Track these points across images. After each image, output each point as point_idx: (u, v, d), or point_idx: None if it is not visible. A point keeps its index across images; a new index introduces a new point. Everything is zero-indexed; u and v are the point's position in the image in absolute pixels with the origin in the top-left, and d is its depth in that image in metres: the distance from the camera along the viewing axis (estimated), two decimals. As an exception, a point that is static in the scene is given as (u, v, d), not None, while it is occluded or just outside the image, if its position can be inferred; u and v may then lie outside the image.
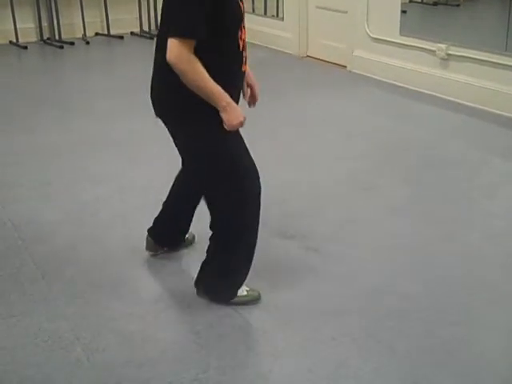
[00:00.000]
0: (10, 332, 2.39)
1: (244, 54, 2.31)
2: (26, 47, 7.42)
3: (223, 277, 2.54)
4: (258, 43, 7.38)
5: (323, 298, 2.60)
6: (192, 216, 2.82)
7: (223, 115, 2.21)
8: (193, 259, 2.88)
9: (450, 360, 2.24)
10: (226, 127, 2.24)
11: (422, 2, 6.51)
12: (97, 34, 8.02)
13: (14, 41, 7.56)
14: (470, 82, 5.05)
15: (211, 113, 2.21)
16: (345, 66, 6.32)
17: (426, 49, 5.41)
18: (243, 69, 2.35)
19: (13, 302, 2.58)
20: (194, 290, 2.60)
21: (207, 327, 2.42)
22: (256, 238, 2.52)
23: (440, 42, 5.25)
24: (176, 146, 2.41)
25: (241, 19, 2.25)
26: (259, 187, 2.49)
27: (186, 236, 2.93)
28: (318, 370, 2.18)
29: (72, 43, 7.52)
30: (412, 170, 3.89)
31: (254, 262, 2.54)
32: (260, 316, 2.48)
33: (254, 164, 2.46)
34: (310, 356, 2.26)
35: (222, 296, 2.56)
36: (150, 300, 2.61)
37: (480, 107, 4.93)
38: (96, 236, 3.10)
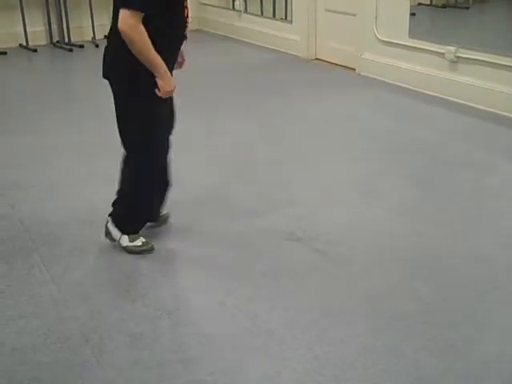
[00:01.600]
0: (20, 333, 2.41)
1: (188, 20, 2.66)
2: (35, 50, 7.47)
3: (127, 211, 2.95)
4: (267, 46, 7.40)
5: (331, 300, 2.60)
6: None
7: (159, 81, 2.56)
8: (204, 261, 2.90)
9: (457, 362, 2.23)
10: (159, 93, 2.58)
11: (430, 5, 6.51)
12: (106, 36, 8.03)
13: (24, 44, 7.61)
14: (479, 85, 5.04)
15: (148, 77, 2.55)
16: (353, 69, 6.31)
17: (435, 51, 5.40)
18: (185, 33, 2.68)
19: (22, 304, 2.60)
20: (203, 289, 2.61)
21: (215, 329, 2.43)
22: (153, 191, 2.93)
23: (449, 45, 5.24)
24: (115, 105, 2.75)
25: None
26: (159, 160, 2.87)
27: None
28: (325, 371, 2.19)
29: (81, 46, 7.56)
30: (420, 171, 3.89)
31: (260, 263, 2.55)
32: (268, 318, 2.49)
33: (164, 134, 2.83)
34: (318, 358, 2.26)
35: (121, 225, 2.93)
36: (159, 301, 2.61)
37: (489, 109, 4.92)
38: (105, 238, 3.11)
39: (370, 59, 6.10)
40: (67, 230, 3.20)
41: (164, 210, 3.14)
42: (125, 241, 2.93)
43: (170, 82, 2.60)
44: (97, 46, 7.64)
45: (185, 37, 2.71)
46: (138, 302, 2.61)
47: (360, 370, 2.20)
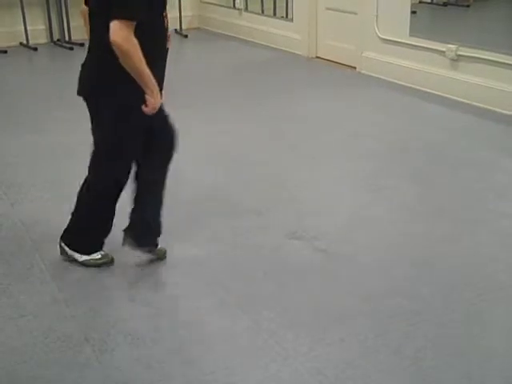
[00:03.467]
0: (21, 332, 2.41)
1: (167, 33, 2.53)
2: (36, 49, 7.46)
3: (78, 229, 2.84)
4: (267, 44, 7.39)
5: (332, 299, 2.60)
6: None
7: (148, 98, 2.40)
8: (205, 261, 2.89)
9: (458, 362, 2.23)
10: (146, 109, 2.43)
11: (431, 3, 6.51)
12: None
13: (25, 42, 7.60)
14: (479, 83, 5.03)
15: (137, 94, 2.40)
16: (354, 67, 6.31)
17: (435, 49, 5.39)
18: (167, 46, 2.56)
19: (23, 303, 2.60)
20: (204, 292, 2.61)
21: (216, 329, 2.43)
22: (107, 214, 2.79)
23: (450, 43, 5.24)
24: (92, 125, 2.68)
25: None
26: (118, 186, 2.72)
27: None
28: (326, 371, 2.18)
29: (82, 45, 7.53)
30: (421, 170, 3.88)
31: (262, 263, 2.54)
32: (268, 317, 2.48)
33: (130, 167, 2.69)
34: (319, 357, 2.26)
35: (75, 245, 2.83)
36: (159, 301, 2.61)
37: (490, 108, 4.91)
38: (105, 237, 3.11)
39: (371, 57, 6.09)
40: (68, 228, 3.20)
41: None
42: (80, 256, 2.83)
43: (157, 98, 2.45)
44: (97, 44, 7.63)
45: (168, 38, 2.56)
46: (138, 302, 2.61)
47: (361, 369, 2.19)
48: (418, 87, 5.54)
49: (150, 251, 2.86)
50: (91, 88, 2.57)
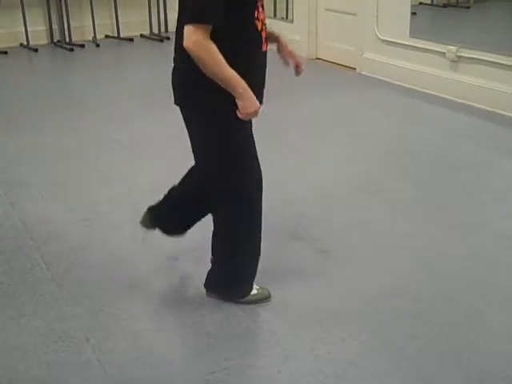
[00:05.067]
0: (21, 332, 2.41)
1: (263, 35, 2.28)
2: (36, 50, 7.46)
3: (233, 275, 2.55)
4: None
5: (332, 300, 2.60)
6: (195, 218, 2.74)
7: (239, 102, 2.19)
8: (202, 261, 2.89)
9: (459, 362, 2.23)
10: (239, 115, 2.22)
11: (431, 4, 6.51)
12: (107, 36, 8.06)
13: (25, 43, 7.60)
14: (480, 84, 5.03)
15: (227, 101, 2.19)
16: (354, 68, 6.31)
17: (435, 51, 5.39)
18: (263, 49, 2.32)
19: (23, 303, 2.60)
20: (205, 291, 2.60)
21: (217, 328, 2.43)
22: (260, 233, 2.53)
23: (450, 44, 5.24)
24: (189, 137, 2.39)
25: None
26: (260, 188, 2.50)
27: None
28: (327, 370, 2.18)
29: (82, 46, 7.56)
30: (421, 172, 3.88)
31: (262, 264, 2.54)
32: (269, 317, 2.48)
33: (259, 164, 2.45)
34: (320, 357, 2.25)
35: (233, 295, 2.57)
36: (160, 300, 2.61)
37: (490, 109, 4.92)
38: (106, 237, 3.12)
39: (371, 59, 6.10)
40: (68, 229, 3.20)
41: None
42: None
43: (251, 102, 2.20)
44: (98, 45, 7.64)
45: (264, 41, 2.32)
46: (138, 301, 2.60)
47: (362, 369, 2.19)
48: (418, 88, 5.54)
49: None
50: (180, 96, 2.32)
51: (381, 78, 5.94)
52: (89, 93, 5.72)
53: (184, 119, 2.36)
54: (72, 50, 7.45)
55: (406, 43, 5.68)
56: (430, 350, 2.28)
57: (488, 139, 4.43)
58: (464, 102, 5.12)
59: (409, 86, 5.63)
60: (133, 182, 3.74)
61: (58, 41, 7.75)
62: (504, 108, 4.83)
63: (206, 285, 2.60)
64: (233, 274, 2.54)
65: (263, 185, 2.51)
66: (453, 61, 5.26)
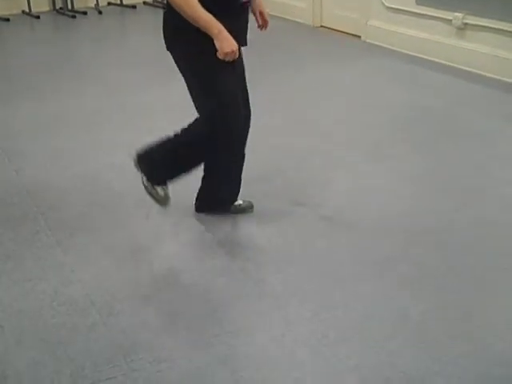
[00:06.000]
0: (27, 296, 2.43)
1: None
2: (38, 17, 7.40)
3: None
4: (272, 13, 7.30)
5: (336, 266, 2.61)
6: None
7: (216, 43, 2.40)
8: (209, 229, 2.90)
9: (462, 326, 2.24)
10: (219, 55, 2.42)
11: (438, -29, 6.40)
12: (109, 3, 7.97)
13: (27, 10, 7.54)
14: (486, 52, 4.98)
15: (206, 42, 2.40)
16: (359, 36, 6.25)
17: (442, 18, 5.33)
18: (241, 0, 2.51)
19: (29, 267, 2.61)
20: (209, 254, 2.62)
21: (219, 292, 2.44)
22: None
23: (456, 11, 5.17)
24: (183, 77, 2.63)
25: None
26: (239, 121, 2.70)
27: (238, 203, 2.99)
28: (331, 334, 2.20)
29: (85, 13, 7.49)
30: (426, 139, 3.86)
31: (266, 228, 2.55)
32: (273, 282, 2.50)
33: (238, 100, 2.67)
34: (324, 321, 2.27)
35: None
36: (163, 265, 2.63)
37: (497, 77, 4.87)
38: (109, 203, 3.12)
39: (376, 26, 6.03)
40: (71, 195, 3.21)
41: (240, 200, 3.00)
42: (146, 180, 2.87)
43: (228, 42, 2.40)
44: (100, 12, 7.57)
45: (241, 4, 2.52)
46: (143, 267, 2.62)
47: (365, 333, 2.21)
48: (423, 56, 5.49)
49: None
50: (166, 41, 2.57)
51: (386, 46, 5.88)
52: (91, 61, 5.68)
53: (175, 62, 2.60)
54: (74, 17, 7.39)
55: (412, 10, 5.61)
56: (433, 315, 2.30)
57: (494, 107, 4.40)
58: (470, 69, 5.07)
59: (414, 54, 5.58)
60: (134, 149, 3.72)
61: (61, 8, 7.68)
62: (510, 76, 4.79)
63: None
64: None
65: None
66: (459, 28, 5.20)
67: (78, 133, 4.03)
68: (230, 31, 2.41)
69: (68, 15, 7.45)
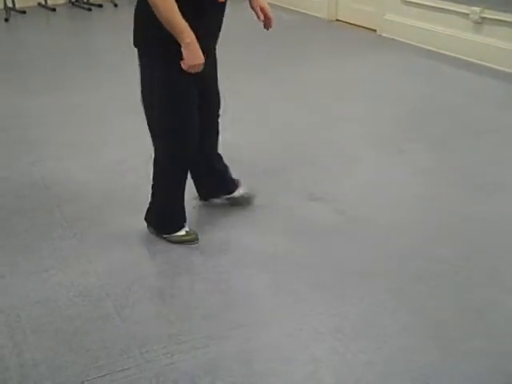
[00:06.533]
0: (43, 286, 2.44)
1: None
2: (54, 9, 7.43)
3: (158, 206, 2.73)
4: (288, 7, 7.29)
5: (351, 260, 2.60)
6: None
7: (184, 52, 2.28)
8: (223, 223, 2.91)
9: (479, 323, 2.23)
10: (183, 66, 2.31)
11: (456, -36, 6.35)
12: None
13: (43, 3, 7.56)
14: (503, 47, 4.93)
15: (171, 48, 2.28)
16: (375, 30, 6.21)
17: (459, 12, 5.29)
18: (212, 9, 2.40)
19: (45, 258, 2.63)
20: (224, 247, 2.63)
21: (235, 286, 2.45)
22: (184, 177, 2.69)
23: (474, 5, 5.13)
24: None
25: None
26: (192, 137, 2.57)
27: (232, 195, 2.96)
28: (345, 329, 2.20)
29: (100, 6, 7.50)
30: (442, 134, 3.84)
31: (280, 223, 2.54)
32: (287, 276, 2.50)
33: (195, 113, 2.53)
34: (338, 316, 2.27)
35: (160, 228, 2.74)
36: (178, 258, 2.63)
37: (513, 72, 4.84)
38: (124, 196, 3.13)
39: (393, 20, 5.99)
40: (88, 187, 3.22)
41: (241, 190, 2.97)
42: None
43: (195, 54, 2.29)
44: (116, 5, 7.58)
45: (217, 3, 2.38)
46: (159, 259, 2.63)
47: (380, 328, 2.21)
48: (440, 51, 5.45)
49: None
50: (134, 38, 2.47)
51: (402, 40, 5.85)
52: (107, 53, 5.70)
53: (138, 59, 2.49)
54: (90, 9, 7.41)
55: (429, 4, 5.57)
56: (450, 310, 2.29)
57: (511, 102, 4.36)
58: (487, 64, 5.03)
59: (431, 48, 5.54)
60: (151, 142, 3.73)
61: (76, 0, 7.70)
62: (528, 71, 4.75)
63: (145, 218, 2.79)
64: (159, 207, 2.73)
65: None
66: (476, 22, 5.15)
67: (94, 124, 4.05)
68: (197, 34, 2.28)
69: (84, 8, 7.47)
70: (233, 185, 2.96)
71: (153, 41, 2.38)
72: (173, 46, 2.28)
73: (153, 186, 2.72)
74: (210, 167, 2.87)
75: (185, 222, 2.75)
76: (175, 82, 2.41)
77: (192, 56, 2.29)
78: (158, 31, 2.28)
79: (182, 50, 2.28)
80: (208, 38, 2.44)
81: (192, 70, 2.33)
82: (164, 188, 2.71)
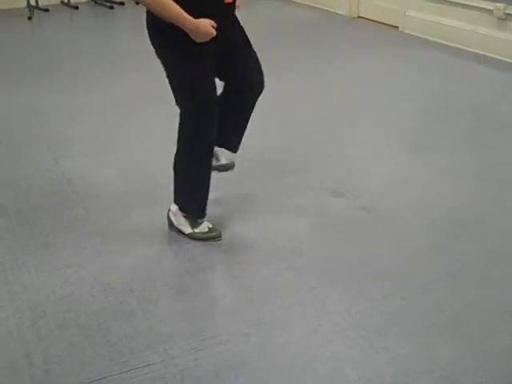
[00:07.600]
0: (67, 282, 2.46)
1: None
2: (77, 7, 7.48)
3: (182, 192, 2.75)
4: (309, 4, 7.27)
5: (374, 257, 2.59)
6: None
7: (192, 36, 2.37)
8: (246, 219, 2.91)
9: (503, 319, 2.21)
10: (196, 40, 2.38)
11: (479, -40, 6.28)
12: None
13: (66, 1, 7.62)
14: (528, 43, 4.88)
15: (181, 36, 2.37)
16: (396, 27, 6.17)
17: (482, 8, 5.23)
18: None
19: (68, 254, 2.65)
20: (246, 245, 2.63)
21: (258, 283, 2.45)
22: (209, 157, 2.71)
23: (498, 1, 5.07)
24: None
25: None
26: (212, 111, 2.62)
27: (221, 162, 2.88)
28: (368, 326, 2.19)
29: (122, 3, 7.54)
30: (466, 131, 3.81)
31: (302, 219, 2.53)
32: (309, 272, 2.49)
33: (213, 91, 2.60)
34: (360, 313, 2.26)
35: (184, 207, 2.73)
36: (201, 255, 2.64)
37: (538, 69, 4.78)
38: (147, 192, 3.15)
39: (414, 16, 5.95)
40: (110, 184, 3.24)
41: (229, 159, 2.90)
42: (187, 228, 2.75)
43: (202, 32, 2.36)
44: (137, 3, 7.58)
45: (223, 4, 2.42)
46: (182, 256, 2.64)
47: (402, 326, 2.19)
48: (463, 47, 5.40)
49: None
50: (150, 37, 2.56)
51: (424, 36, 5.80)
52: (129, 50, 5.72)
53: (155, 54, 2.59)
54: (112, 7, 7.44)
55: (452, 0, 5.51)
56: (471, 309, 2.27)
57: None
58: (511, 60, 4.97)
59: (453, 44, 5.49)
60: (174, 137, 3.74)
61: (98, -2, 7.75)
62: (553, 67, 4.69)
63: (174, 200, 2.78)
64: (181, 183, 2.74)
65: None
66: (500, 19, 5.09)
67: (117, 120, 4.07)
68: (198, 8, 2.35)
69: (106, 6, 7.51)
70: (229, 145, 2.88)
71: (163, 36, 2.47)
72: (180, 35, 2.37)
73: (174, 165, 2.76)
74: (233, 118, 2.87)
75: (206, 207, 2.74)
76: (191, 65, 2.50)
77: (195, 28, 2.35)
78: (164, 27, 2.37)
79: (190, 35, 2.36)
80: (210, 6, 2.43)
81: (206, 39, 2.39)
82: (186, 163, 2.73)
